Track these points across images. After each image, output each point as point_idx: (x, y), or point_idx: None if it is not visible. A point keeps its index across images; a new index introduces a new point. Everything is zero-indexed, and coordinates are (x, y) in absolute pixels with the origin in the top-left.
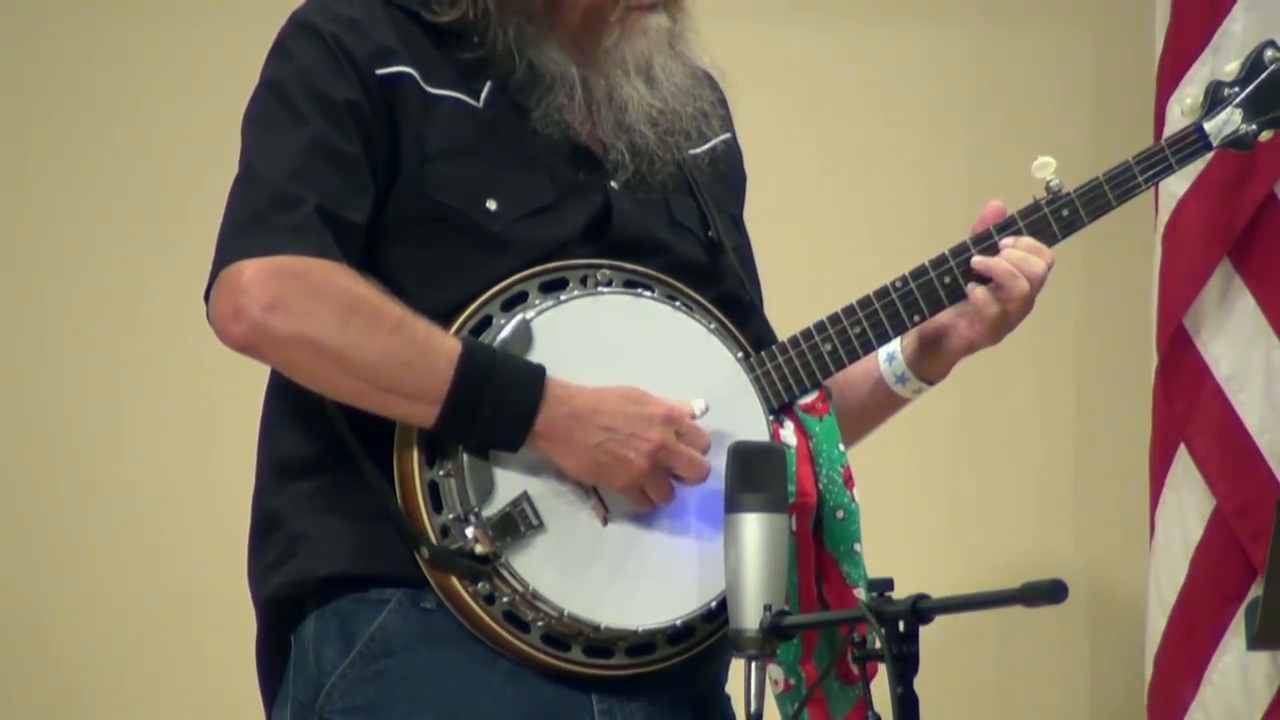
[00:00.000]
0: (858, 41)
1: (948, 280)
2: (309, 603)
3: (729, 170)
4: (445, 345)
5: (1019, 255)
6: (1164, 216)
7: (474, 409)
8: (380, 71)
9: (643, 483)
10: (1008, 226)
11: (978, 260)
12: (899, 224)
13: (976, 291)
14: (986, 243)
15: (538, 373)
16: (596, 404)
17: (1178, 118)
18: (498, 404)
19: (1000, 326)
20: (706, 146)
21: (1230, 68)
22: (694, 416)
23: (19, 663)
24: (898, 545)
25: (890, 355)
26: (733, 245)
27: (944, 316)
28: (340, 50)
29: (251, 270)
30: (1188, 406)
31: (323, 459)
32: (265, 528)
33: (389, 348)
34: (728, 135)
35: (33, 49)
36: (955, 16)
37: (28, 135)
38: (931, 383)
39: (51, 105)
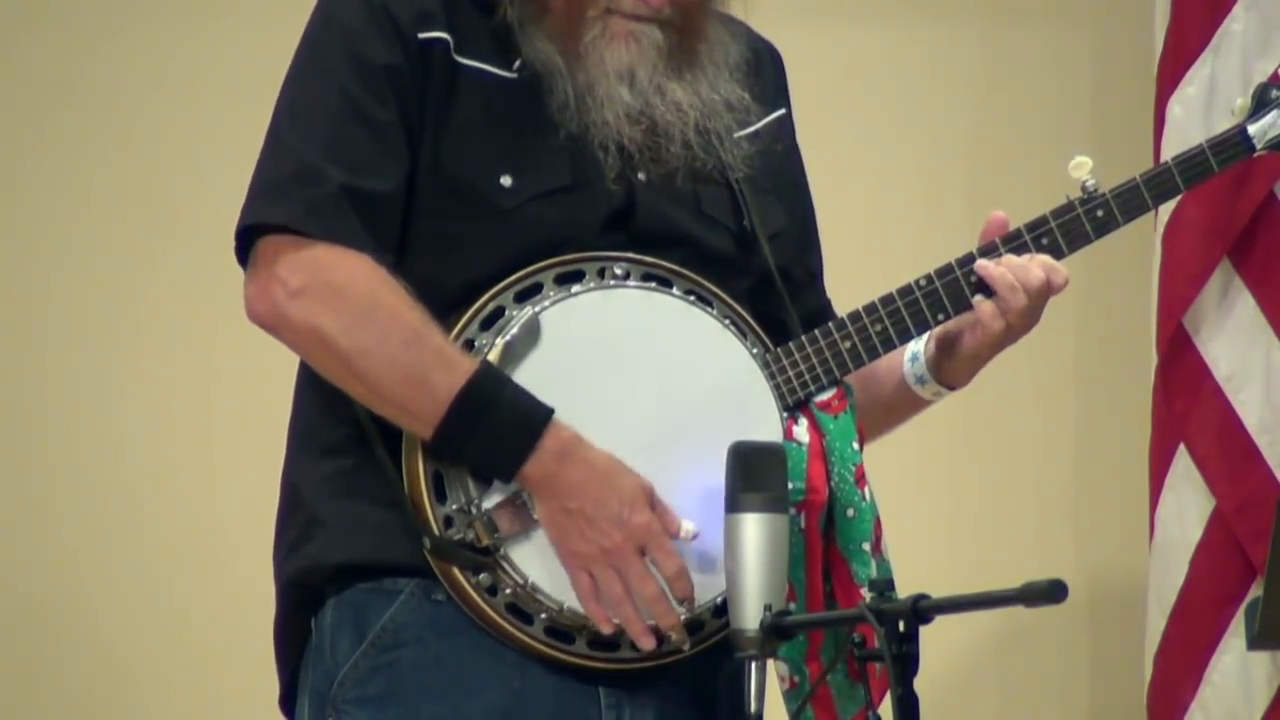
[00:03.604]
0: (857, 41)
1: (974, 279)
2: (328, 590)
3: (773, 145)
4: (452, 373)
5: (1019, 263)
6: (1164, 216)
7: (466, 441)
8: (422, 35)
9: (590, 566)
10: (1039, 226)
11: (980, 264)
12: (898, 224)
13: (983, 304)
14: (1017, 241)
15: (540, 418)
16: (583, 479)
17: (1178, 117)
18: (485, 447)
19: (1003, 339)
20: (751, 129)
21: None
22: (676, 536)
23: (20, 663)
24: (898, 545)
25: (914, 355)
26: (773, 232)
27: (956, 324)
28: (384, 12)
29: (287, 252)
30: (1187, 406)
31: (346, 442)
32: (289, 504)
33: (395, 361)
34: (780, 111)
35: (33, 49)
36: (955, 16)
37: (28, 134)
38: (952, 388)
39: (52, 105)
